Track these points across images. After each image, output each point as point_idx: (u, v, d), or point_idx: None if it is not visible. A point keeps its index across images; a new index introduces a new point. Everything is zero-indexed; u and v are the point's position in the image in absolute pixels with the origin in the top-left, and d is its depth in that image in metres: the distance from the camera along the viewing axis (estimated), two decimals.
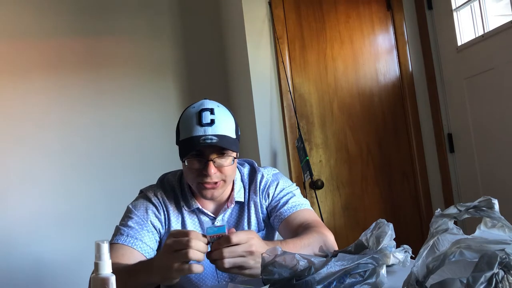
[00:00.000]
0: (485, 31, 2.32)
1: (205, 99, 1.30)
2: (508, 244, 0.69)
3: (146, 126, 2.93)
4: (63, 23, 2.89)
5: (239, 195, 1.36)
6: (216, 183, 1.24)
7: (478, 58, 2.34)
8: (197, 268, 0.97)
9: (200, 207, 1.33)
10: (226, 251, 0.96)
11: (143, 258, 1.24)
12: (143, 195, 1.36)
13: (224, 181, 1.25)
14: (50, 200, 2.75)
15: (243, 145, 2.86)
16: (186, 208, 1.33)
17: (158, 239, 1.32)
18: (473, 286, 0.62)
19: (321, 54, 2.61)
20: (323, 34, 2.62)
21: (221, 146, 1.20)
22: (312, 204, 2.47)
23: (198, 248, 0.95)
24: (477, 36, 2.37)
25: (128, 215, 1.31)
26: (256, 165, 1.44)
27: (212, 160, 1.21)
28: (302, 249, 1.11)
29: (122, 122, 2.92)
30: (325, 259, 0.87)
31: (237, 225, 1.36)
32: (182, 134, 1.24)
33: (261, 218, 1.37)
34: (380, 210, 2.58)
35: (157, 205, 1.33)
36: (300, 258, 0.87)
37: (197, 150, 1.21)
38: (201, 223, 1.34)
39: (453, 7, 2.49)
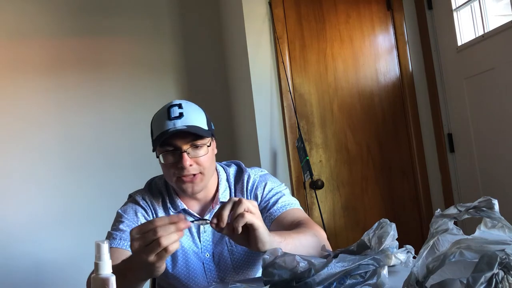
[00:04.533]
0: (485, 31, 2.32)
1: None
2: (508, 245, 0.69)
3: (146, 126, 2.92)
4: (63, 23, 2.89)
5: (224, 196, 1.35)
6: (194, 175, 1.24)
7: (478, 58, 2.34)
8: (173, 246, 0.90)
9: (186, 208, 1.33)
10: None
11: None
12: (132, 199, 1.38)
13: (202, 173, 1.25)
14: (49, 200, 2.75)
15: (243, 145, 2.86)
16: (172, 210, 1.34)
17: None
18: (473, 286, 0.62)
19: (321, 54, 2.61)
20: (323, 34, 2.62)
21: (190, 133, 1.21)
22: (312, 204, 2.48)
23: (168, 232, 0.89)
24: (477, 36, 2.37)
25: (118, 219, 1.33)
26: (243, 165, 1.43)
27: (186, 152, 1.22)
28: (294, 236, 1.11)
29: (122, 122, 2.92)
30: (325, 260, 0.87)
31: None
32: (154, 133, 1.27)
33: None
34: (380, 210, 2.58)
35: (146, 208, 1.34)
36: (301, 260, 0.87)
37: (168, 143, 1.22)
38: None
39: (453, 7, 2.49)
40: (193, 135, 1.22)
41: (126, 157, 2.88)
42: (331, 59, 2.62)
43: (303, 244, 1.11)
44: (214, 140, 1.34)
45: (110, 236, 1.29)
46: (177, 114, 1.23)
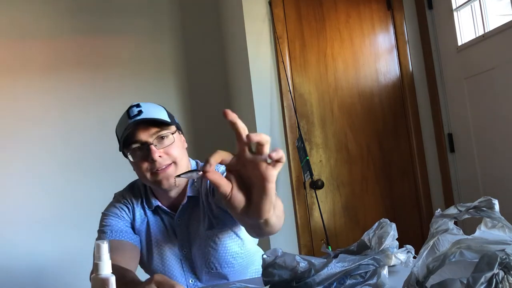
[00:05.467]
0: (486, 31, 2.32)
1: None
2: (508, 245, 0.69)
3: None
4: (63, 23, 2.89)
5: (192, 190, 1.34)
6: (167, 166, 1.24)
7: (478, 58, 2.34)
8: None
9: (160, 204, 1.34)
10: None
11: (132, 246, 1.30)
12: (115, 199, 1.42)
13: (175, 163, 1.25)
14: (49, 199, 2.75)
15: None
16: (148, 209, 1.37)
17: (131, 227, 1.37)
18: (473, 286, 0.62)
19: (321, 53, 2.61)
20: (323, 34, 2.62)
21: (152, 124, 1.22)
22: (312, 204, 2.48)
23: None
24: (477, 36, 2.37)
25: (103, 218, 1.37)
26: None
27: (152, 144, 1.22)
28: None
29: None
30: (325, 260, 0.87)
31: (190, 220, 1.33)
32: (119, 136, 1.31)
33: (211, 214, 1.31)
34: (380, 210, 2.58)
35: (127, 204, 1.38)
36: (301, 260, 0.87)
37: (134, 140, 1.23)
38: (163, 221, 1.36)
39: (454, 6, 2.49)
40: (155, 126, 1.23)
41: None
42: (331, 59, 2.62)
43: (279, 209, 1.06)
44: (181, 134, 1.34)
45: (101, 233, 1.33)
46: (136, 112, 1.25)
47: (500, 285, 0.62)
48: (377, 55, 2.67)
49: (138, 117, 1.23)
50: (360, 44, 2.66)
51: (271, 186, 0.67)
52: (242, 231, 1.33)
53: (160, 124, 1.24)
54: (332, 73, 2.60)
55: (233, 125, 0.66)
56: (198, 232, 1.31)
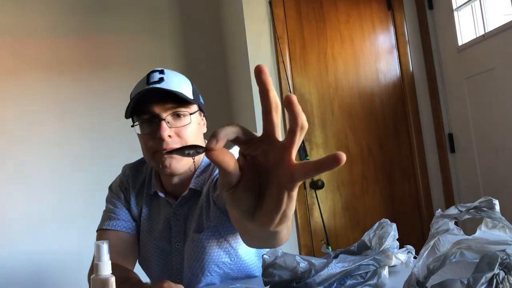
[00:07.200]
0: (486, 31, 2.32)
1: None
2: (509, 245, 0.69)
3: None
4: (63, 23, 2.89)
5: (196, 182, 1.17)
6: None
7: (479, 58, 2.34)
8: None
9: (158, 191, 1.20)
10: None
11: (127, 236, 1.22)
12: (120, 175, 1.35)
13: None
14: (48, 199, 2.75)
15: None
16: (147, 192, 1.24)
17: (128, 211, 1.27)
18: (474, 286, 0.62)
19: (321, 53, 2.61)
20: (324, 34, 2.62)
21: (170, 98, 1.05)
22: (312, 204, 2.48)
23: None
24: (477, 36, 2.37)
25: (108, 197, 1.31)
26: None
27: (164, 120, 1.06)
28: None
29: (122, 122, 2.91)
30: (325, 260, 0.87)
31: (189, 213, 1.19)
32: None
33: (206, 214, 1.14)
34: (380, 210, 2.58)
35: (125, 184, 1.30)
36: (301, 260, 0.86)
37: (144, 110, 1.07)
38: (160, 209, 1.23)
39: (454, 6, 2.49)
40: (173, 101, 1.06)
41: (127, 157, 2.87)
42: (331, 59, 2.62)
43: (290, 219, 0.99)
44: (202, 115, 1.18)
45: (104, 215, 1.27)
46: (157, 79, 1.08)
47: (500, 286, 0.62)
48: (377, 55, 2.67)
49: (157, 85, 1.06)
50: (361, 44, 2.66)
51: (292, 194, 0.47)
52: (236, 240, 1.16)
53: (180, 99, 1.07)
54: (332, 73, 2.60)
55: (263, 92, 0.45)
56: (192, 229, 1.17)
